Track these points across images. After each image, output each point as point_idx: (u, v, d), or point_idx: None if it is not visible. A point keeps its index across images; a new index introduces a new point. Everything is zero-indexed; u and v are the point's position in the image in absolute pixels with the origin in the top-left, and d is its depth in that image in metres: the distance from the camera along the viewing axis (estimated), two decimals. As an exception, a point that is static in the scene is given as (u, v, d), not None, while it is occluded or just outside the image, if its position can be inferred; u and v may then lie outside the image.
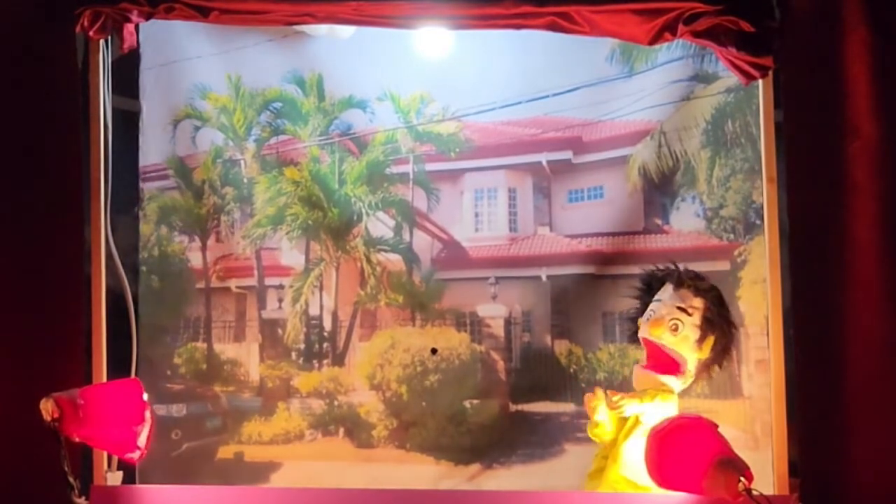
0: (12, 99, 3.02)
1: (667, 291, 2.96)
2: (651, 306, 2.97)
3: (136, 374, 3.34)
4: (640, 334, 2.98)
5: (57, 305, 3.03)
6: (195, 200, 3.78)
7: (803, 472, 2.86)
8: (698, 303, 2.91)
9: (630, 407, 2.84)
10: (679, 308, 2.90)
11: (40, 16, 3.03)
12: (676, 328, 2.89)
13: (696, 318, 2.89)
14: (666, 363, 2.92)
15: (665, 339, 2.89)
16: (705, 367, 2.97)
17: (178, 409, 3.74)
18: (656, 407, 2.85)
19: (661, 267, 3.07)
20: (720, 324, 2.94)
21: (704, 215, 3.53)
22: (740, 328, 3.26)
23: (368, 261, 3.74)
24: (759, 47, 2.94)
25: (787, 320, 3.00)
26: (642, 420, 2.86)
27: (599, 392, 2.88)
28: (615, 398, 2.83)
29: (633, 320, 3.05)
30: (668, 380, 2.91)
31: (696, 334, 2.89)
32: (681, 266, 3.05)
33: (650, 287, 3.04)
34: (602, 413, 2.89)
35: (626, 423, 2.91)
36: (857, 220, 2.80)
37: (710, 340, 2.91)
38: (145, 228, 3.76)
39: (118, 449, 2.91)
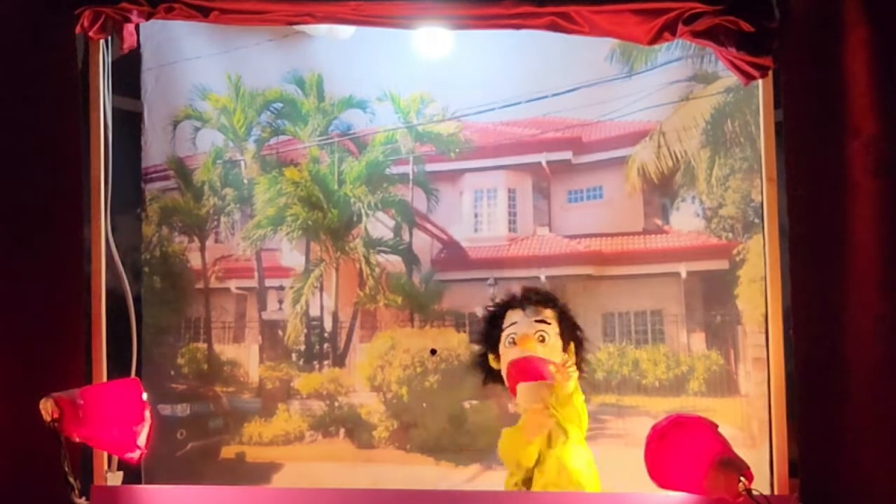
0: (12, 99, 3.02)
1: (516, 315, 3.02)
2: (507, 332, 3.01)
3: (141, 375, 3.33)
4: (508, 358, 2.97)
5: (57, 305, 3.02)
6: (195, 201, 3.79)
7: (803, 472, 2.85)
8: (550, 312, 3.01)
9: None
10: (538, 321, 2.99)
11: (40, 16, 3.03)
12: (543, 339, 2.97)
13: (555, 326, 3.00)
14: (536, 372, 2.95)
15: (538, 351, 2.96)
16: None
17: (182, 409, 3.75)
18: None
19: (496, 302, 3.12)
20: (573, 325, 3.04)
21: (704, 215, 3.53)
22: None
23: (367, 262, 3.74)
24: (758, 47, 2.93)
25: (786, 319, 3.00)
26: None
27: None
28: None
29: (483, 356, 3.07)
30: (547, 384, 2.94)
31: (559, 342, 2.99)
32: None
33: (494, 320, 3.07)
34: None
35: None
36: (857, 220, 2.78)
37: (572, 346, 3.01)
38: (147, 229, 3.78)
39: (118, 449, 2.90)
